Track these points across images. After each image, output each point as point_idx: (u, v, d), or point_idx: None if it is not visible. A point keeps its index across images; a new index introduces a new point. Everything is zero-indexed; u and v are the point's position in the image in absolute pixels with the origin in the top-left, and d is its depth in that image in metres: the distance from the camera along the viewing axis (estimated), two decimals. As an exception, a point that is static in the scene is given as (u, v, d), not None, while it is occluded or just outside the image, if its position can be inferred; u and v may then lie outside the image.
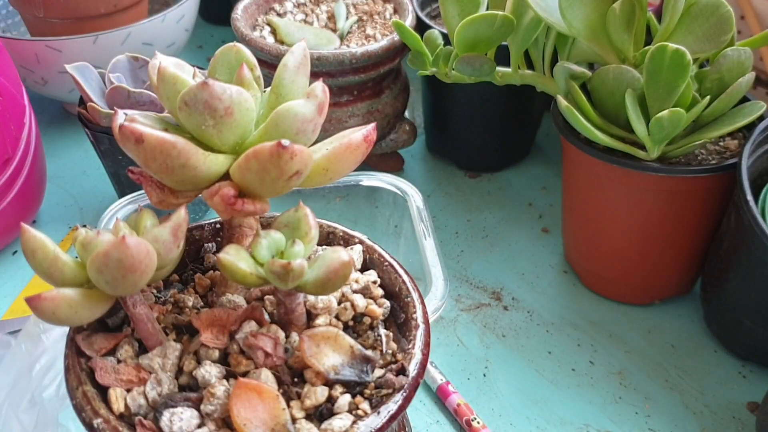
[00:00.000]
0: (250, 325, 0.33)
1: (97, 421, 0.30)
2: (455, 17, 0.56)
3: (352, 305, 0.35)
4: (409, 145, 0.74)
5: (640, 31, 0.51)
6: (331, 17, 0.73)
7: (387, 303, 0.36)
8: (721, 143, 0.55)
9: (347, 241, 0.39)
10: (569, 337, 0.59)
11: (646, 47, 0.49)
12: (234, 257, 0.30)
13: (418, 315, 0.34)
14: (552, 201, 0.72)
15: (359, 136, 0.33)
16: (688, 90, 0.49)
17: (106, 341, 0.33)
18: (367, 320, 0.35)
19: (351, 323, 0.35)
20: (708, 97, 0.49)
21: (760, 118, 0.52)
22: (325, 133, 0.69)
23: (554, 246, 0.67)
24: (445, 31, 0.62)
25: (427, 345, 0.33)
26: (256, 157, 0.28)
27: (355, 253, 0.38)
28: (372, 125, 0.33)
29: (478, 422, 0.51)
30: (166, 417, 0.29)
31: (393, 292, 0.37)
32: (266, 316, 0.33)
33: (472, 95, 0.68)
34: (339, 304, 0.35)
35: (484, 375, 0.56)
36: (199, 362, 0.32)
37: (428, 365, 0.55)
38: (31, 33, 0.82)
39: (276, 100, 0.32)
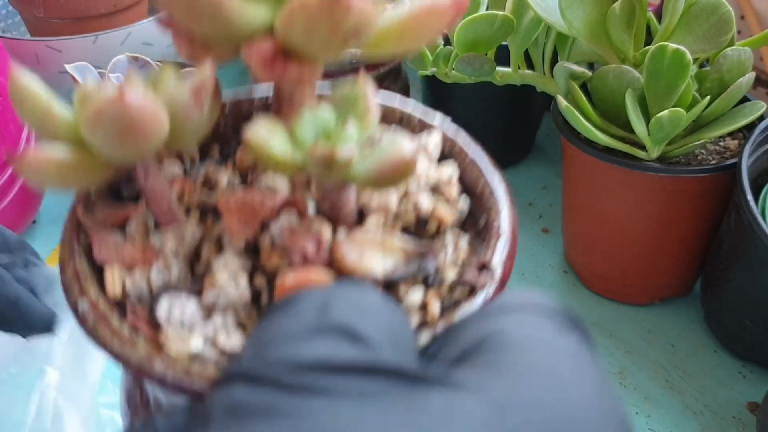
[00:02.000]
0: (290, 217, 0.27)
1: (82, 303, 0.24)
2: (455, 17, 0.56)
3: (415, 206, 0.28)
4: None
5: (640, 31, 0.51)
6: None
7: (464, 206, 0.30)
8: (721, 143, 0.55)
9: (425, 128, 0.32)
10: (569, 337, 0.59)
11: (646, 47, 0.49)
12: (266, 134, 0.24)
13: (502, 221, 0.29)
14: (552, 201, 0.72)
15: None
16: (688, 90, 0.49)
17: (112, 212, 0.27)
18: (433, 225, 0.28)
19: (413, 227, 0.28)
20: (708, 97, 0.49)
21: (760, 118, 0.52)
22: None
23: (554, 246, 0.67)
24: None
25: (511, 258, 0.28)
26: (302, 8, 0.23)
27: (431, 143, 0.31)
28: None
29: None
30: (164, 305, 0.24)
31: (473, 193, 0.30)
32: (310, 208, 0.27)
33: (472, 95, 0.68)
34: (400, 202, 0.28)
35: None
36: (221, 251, 0.27)
37: None
38: (31, 33, 0.82)
39: None
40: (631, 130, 0.51)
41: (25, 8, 0.77)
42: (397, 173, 0.24)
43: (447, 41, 0.58)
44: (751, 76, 0.50)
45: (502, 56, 0.57)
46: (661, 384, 0.55)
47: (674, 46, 0.46)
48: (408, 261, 0.26)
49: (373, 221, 0.27)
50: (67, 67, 0.63)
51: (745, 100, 0.52)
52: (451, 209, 0.29)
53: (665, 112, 0.47)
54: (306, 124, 0.25)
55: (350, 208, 0.27)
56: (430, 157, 0.31)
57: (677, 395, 0.54)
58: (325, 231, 0.26)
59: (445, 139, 0.32)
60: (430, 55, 0.59)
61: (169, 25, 0.26)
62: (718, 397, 0.54)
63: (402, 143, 0.24)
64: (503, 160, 0.77)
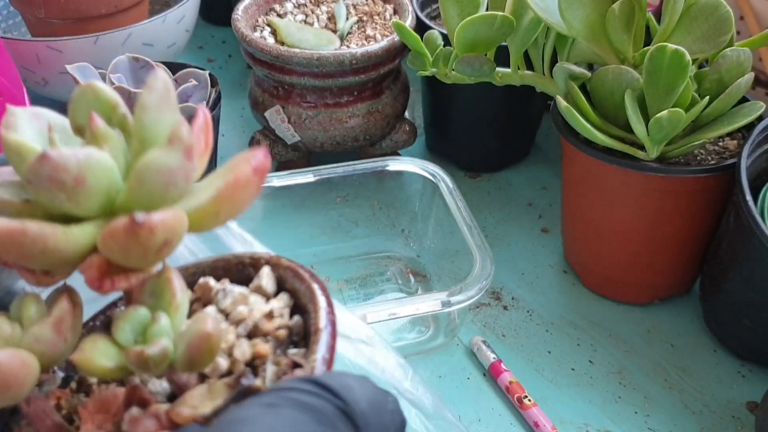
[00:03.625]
0: (134, 410, 0.29)
1: None
2: (455, 18, 0.57)
3: (238, 358, 0.31)
4: (408, 146, 0.74)
5: (639, 32, 0.51)
6: (332, 18, 0.73)
7: (293, 323, 0.32)
8: (721, 143, 0.55)
9: (255, 266, 0.35)
10: (569, 337, 0.59)
11: (646, 47, 0.50)
12: (88, 353, 0.26)
13: (321, 318, 0.30)
14: (552, 201, 0.72)
15: (247, 170, 0.28)
16: (687, 90, 0.49)
17: None
18: (258, 361, 0.31)
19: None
20: (707, 97, 0.49)
21: (759, 119, 0.52)
22: (326, 133, 0.69)
23: (554, 246, 0.67)
24: (445, 31, 0.62)
25: (331, 349, 0.30)
26: (112, 238, 0.25)
27: (263, 278, 0.34)
28: (262, 151, 0.28)
29: (529, 400, 0.52)
30: None
31: (300, 303, 0.33)
32: (155, 392, 0.30)
33: (472, 96, 0.69)
34: (230, 356, 0.31)
35: (484, 375, 0.56)
36: None
37: (480, 344, 0.57)
38: (32, 33, 0.82)
39: (140, 147, 0.28)
40: (631, 131, 0.51)
41: (26, 9, 0.77)
42: (205, 351, 0.27)
43: (447, 42, 0.58)
44: (750, 76, 0.50)
45: (502, 56, 0.57)
46: (660, 383, 0.55)
47: (673, 46, 0.47)
48: (232, 390, 0.29)
49: (209, 382, 0.30)
50: (68, 67, 0.63)
51: (744, 100, 0.52)
52: (268, 344, 0.31)
53: (664, 112, 0.47)
54: (123, 328, 0.27)
55: (194, 382, 0.30)
56: (265, 292, 0.33)
57: (676, 395, 0.54)
58: (163, 407, 0.29)
59: (273, 265, 0.35)
60: (430, 56, 0.59)
61: (6, 264, 0.27)
62: (717, 396, 0.54)
63: (204, 323, 0.26)
64: (503, 161, 0.78)
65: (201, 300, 0.33)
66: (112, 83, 0.63)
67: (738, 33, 0.66)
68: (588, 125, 0.51)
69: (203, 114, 0.29)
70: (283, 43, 0.68)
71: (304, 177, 0.62)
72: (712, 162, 0.53)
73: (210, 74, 0.67)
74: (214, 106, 0.65)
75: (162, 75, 0.28)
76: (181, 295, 0.28)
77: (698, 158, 0.54)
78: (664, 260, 0.57)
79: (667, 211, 0.54)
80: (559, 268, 0.65)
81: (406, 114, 0.75)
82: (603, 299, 0.62)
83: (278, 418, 0.23)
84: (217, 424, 0.24)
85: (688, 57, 0.47)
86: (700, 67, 0.54)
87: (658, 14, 0.53)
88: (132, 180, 0.26)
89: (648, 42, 0.52)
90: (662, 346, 0.58)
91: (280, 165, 0.74)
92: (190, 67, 0.67)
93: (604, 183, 0.55)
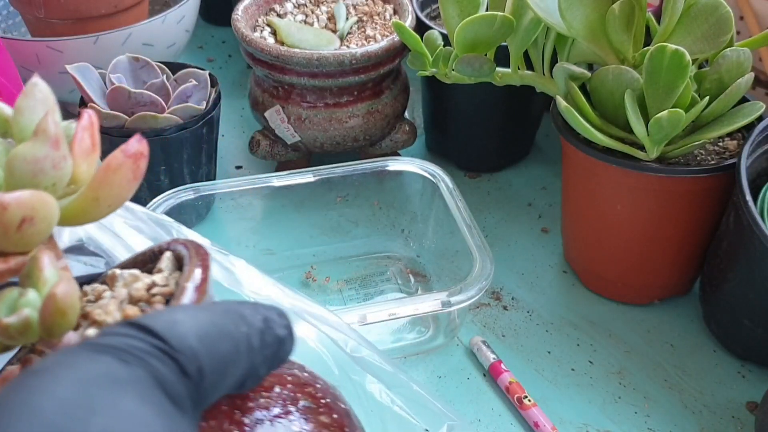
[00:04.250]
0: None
1: None
2: (455, 18, 0.57)
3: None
4: (408, 146, 0.74)
5: (639, 32, 0.52)
6: (331, 18, 0.73)
7: (160, 297, 0.33)
8: (720, 144, 0.55)
9: (162, 252, 0.36)
10: (568, 337, 0.59)
11: (646, 48, 0.50)
12: None
13: (190, 277, 0.31)
14: (551, 201, 0.72)
15: (119, 155, 0.29)
16: (687, 90, 0.49)
17: None
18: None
19: None
20: (707, 97, 0.50)
21: (759, 119, 0.52)
22: (326, 133, 0.69)
23: (554, 246, 0.67)
24: (444, 31, 0.62)
25: (194, 303, 0.31)
26: None
27: (163, 261, 0.35)
28: (135, 137, 0.30)
29: (529, 400, 0.52)
30: None
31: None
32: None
33: (472, 96, 0.69)
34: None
35: (484, 375, 0.56)
36: None
37: (480, 345, 0.57)
38: (32, 33, 0.82)
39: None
40: (631, 131, 0.51)
41: (26, 9, 0.77)
42: (55, 313, 0.28)
43: (447, 42, 0.58)
44: (750, 76, 0.50)
45: (502, 57, 0.57)
46: (660, 384, 0.55)
47: (673, 46, 0.47)
48: None
49: None
50: (68, 67, 0.63)
51: (744, 100, 0.52)
52: (137, 307, 0.33)
53: (664, 112, 0.47)
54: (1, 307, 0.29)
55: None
56: (159, 269, 0.35)
57: (676, 395, 0.54)
58: None
59: (171, 246, 0.36)
60: (429, 56, 0.59)
61: None
62: (717, 396, 0.54)
63: (53, 286, 0.28)
64: (503, 161, 0.78)
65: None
66: (112, 83, 0.63)
67: (738, 33, 0.66)
68: (588, 125, 0.51)
69: (87, 115, 0.31)
70: (283, 43, 0.68)
71: (304, 177, 0.62)
72: (712, 162, 0.53)
73: (210, 74, 0.67)
74: (214, 106, 0.65)
75: (40, 82, 0.31)
76: (49, 270, 0.30)
77: (698, 158, 0.54)
78: (664, 260, 0.57)
79: (667, 211, 0.54)
80: (559, 268, 0.65)
81: (406, 114, 0.75)
82: (603, 299, 0.62)
83: (72, 363, 0.22)
84: (13, 380, 0.23)
85: (688, 57, 0.47)
86: (700, 67, 0.54)
87: (658, 14, 0.53)
88: (5, 173, 0.28)
89: (648, 42, 0.52)
90: (662, 346, 0.58)
91: (280, 165, 0.74)
92: (190, 67, 0.67)
93: (604, 183, 0.55)
